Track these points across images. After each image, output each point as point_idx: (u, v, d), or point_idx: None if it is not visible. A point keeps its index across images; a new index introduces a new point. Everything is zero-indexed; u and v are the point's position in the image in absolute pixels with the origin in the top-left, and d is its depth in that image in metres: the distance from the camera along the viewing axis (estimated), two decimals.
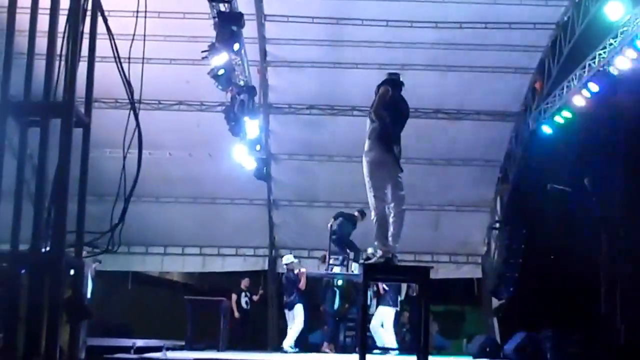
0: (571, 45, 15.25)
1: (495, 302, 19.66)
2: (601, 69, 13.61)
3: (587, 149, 14.38)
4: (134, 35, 6.27)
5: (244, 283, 19.01)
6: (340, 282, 16.94)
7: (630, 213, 13.52)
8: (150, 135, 17.46)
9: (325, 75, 17.60)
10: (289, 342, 15.96)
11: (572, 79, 14.89)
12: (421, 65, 16.73)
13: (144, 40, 6.41)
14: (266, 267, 20.79)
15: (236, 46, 13.66)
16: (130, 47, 6.12)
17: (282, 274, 17.02)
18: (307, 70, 17.61)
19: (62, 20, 5.56)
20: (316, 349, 16.84)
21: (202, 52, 13.71)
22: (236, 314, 17.98)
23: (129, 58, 6.17)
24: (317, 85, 17.77)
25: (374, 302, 15.95)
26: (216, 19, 13.25)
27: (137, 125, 5.88)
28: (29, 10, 5.56)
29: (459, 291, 22.09)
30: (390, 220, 9.29)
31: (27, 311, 5.37)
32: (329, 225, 15.46)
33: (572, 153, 15.06)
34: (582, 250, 13.74)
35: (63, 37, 5.56)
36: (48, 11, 5.40)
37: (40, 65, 5.54)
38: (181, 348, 14.83)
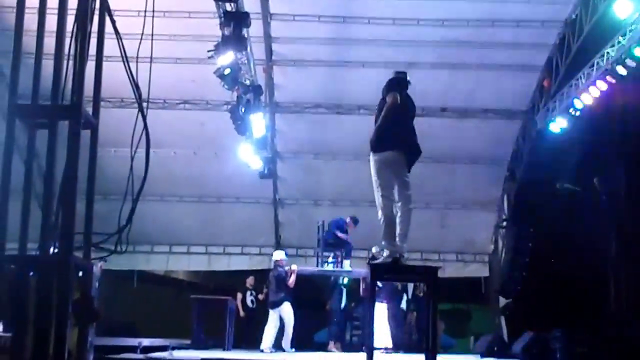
0: (579, 43, 15.16)
1: (502, 301, 19.61)
2: (609, 67, 13.52)
3: (595, 148, 14.30)
4: (142, 35, 6.25)
5: (249, 281, 18.94)
6: (346, 281, 16.90)
7: (638, 212, 13.45)
8: (156, 134, 17.42)
9: (332, 73, 17.56)
10: (267, 343, 15.60)
11: (580, 77, 14.80)
12: (428, 63, 16.66)
13: (152, 39, 6.38)
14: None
15: (242, 46, 13.62)
16: (139, 47, 6.09)
17: (270, 270, 16.60)
18: (313, 69, 17.56)
19: (68, 20, 5.56)
20: (322, 347, 16.80)
21: (208, 51, 13.67)
22: (241, 313, 17.93)
23: (137, 58, 6.15)
24: (323, 83, 17.73)
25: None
26: (222, 19, 13.22)
27: (145, 126, 5.84)
28: (36, 11, 5.55)
29: (466, 290, 22.02)
30: (397, 219, 9.25)
31: (36, 313, 5.35)
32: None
33: (580, 152, 14.99)
34: (591, 249, 13.69)
35: (71, 38, 5.54)
36: (55, 11, 5.39)
37: (48, 64, 5.52)
38: (187, 347, 14.78)
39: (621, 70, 13.31)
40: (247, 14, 13.33)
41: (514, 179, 19.13)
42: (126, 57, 5.82)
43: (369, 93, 15.78)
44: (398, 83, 9.71)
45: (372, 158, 9.30)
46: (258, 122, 16.11)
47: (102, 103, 13.92)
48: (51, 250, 5.44)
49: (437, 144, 18.27)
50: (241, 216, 20.31)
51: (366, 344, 9.88)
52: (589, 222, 13.98)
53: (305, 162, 19.76)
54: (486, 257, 20.96)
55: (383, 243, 9.37)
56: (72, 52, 5.52)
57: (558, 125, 15.72)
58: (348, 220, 16.76)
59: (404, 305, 17.69)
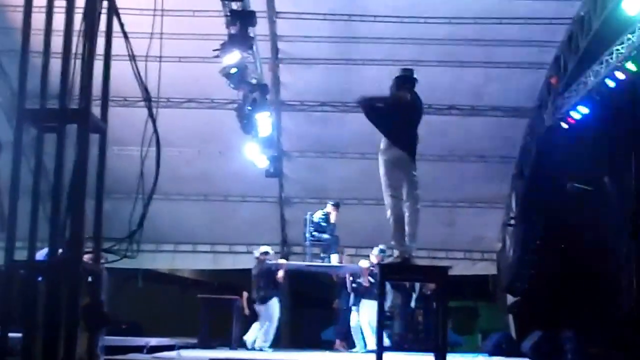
0: (588, 41, 15.06)
1: (510, 299, 19.57)
2: (619, 64, 13.44)
3: (605, 145, 14.22)
4: (151, 34, 6.21)
5: None
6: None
7: None
8: (161, 133, 17.39)
9: (338, 72, 17.49)
10: (262, 340, 15.43)
11: (589, 75, 14.72)
12: (435, 61, 16.59)
13: (161, 38, 6.34)
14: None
15: (248, 44, 13.58)
16: (149, 46, 6.06)
17: (257, 265, 16.24)
18: (319, 67, 17.51)
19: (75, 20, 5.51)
20: (329, 346, 16.75)
21: (214, 50, 13.62)
22: (246, 311, 17.80)
23: (146, 57, 6.11)
24: (329, 82, 17.66)
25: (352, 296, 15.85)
26: (228, 17, 13.19)
27: (155, 130, 5.79)
28: (43, 9, 5.50)
29: (474, 287, 22.00)
30: (406, 219, 9.22)
31: (45, 319, 5.31)
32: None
33: (589, 149, 14.91)
34: (600, 247, 13.62)
35: (78, 37, 5.49)
36: (62, 10, 5.35)
37: (55, 63, 5.47)
38: (194, 346, 14.74)
39: (631, 67, 13.23)
40: (253, 13, 13.29)
41: (522, 177, 19.05)
42: (134, 57, 5.77)
43: (375, 91, 15.75)
44: (405, 81, 9.68)
45: (380, 158, 9.27)
46: (264, 120, 16.08)
47: (112, 102, 13.88)
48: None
49: (444, 142, 18.26)
50: (247, 215, 20.29)
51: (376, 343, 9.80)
52: (598, 220, 13.94)
53: (311, 160, 19.72)
54: (494, 255, 20.91)
55: (392, 243, 9.34)
56: (79, 52, 5.48)
57: (566, 122, 15.66)
58: (330, 209, 16.54)
59: (412, 304, 17.65)
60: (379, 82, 15.76)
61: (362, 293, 15.56)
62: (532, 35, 16.18)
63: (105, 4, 5.69)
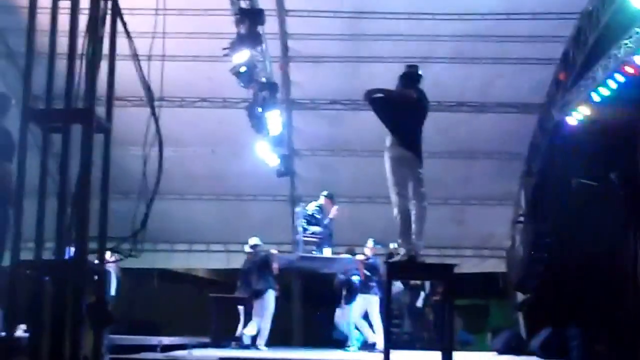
0: (596, 36, 15.04)
1: (520, 297, 19.56)
2: (627, 58, 13.40)
3: (612, 141, 14.18)
4: (163, 33, 6.29)
5: None
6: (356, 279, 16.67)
7: None
8: (174, 133, 17.61)
9: (348, 69, 17.53)
10: (263, 339, 14.99)
11: (597, 70, 14.68)
12: (444, 58, 16.61)
13: (164, 38, 6.42)
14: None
15: (258, 43, 13.64)
16: (151, 46, 6.12)
17: (247, 260, 16.38)
18: (329, 65, 17.54)
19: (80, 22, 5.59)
20: (340, 345, 16.77)
21: (224, 49, 13.69)
22: None
23: (150, 56, 6.18)
24: (339, 80, 17.69)
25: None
26: (237, 16, 13.24)
27: (158, 130, 5.85)
28: (49, 10, 5.59)
29: (484, 285, 21.97)
30: (413, 217, 9.26)
31: (51, 318, 5.38)
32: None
33: (597, 145, 14.88)
34: (610, 244, 13.59)
35: (83, 39, 5.57)
36: (67, 12, 5.44)
37: (60, 64, 5.55)
38: (205, 345, 14.79)
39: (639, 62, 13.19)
40: (262, 11, 13.34)
41: (531, 174, 19.03)
42: (138, 59, 5.85)
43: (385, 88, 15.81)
44: (410, 78, 9.73)
45: (386, 155, 9.32)
46: (274, 119, 16.14)
47: (119, 102, 13.97)
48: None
49: (453, 139, 18.27)
50: (259, 213, 20.35)
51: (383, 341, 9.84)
52: (608, 218, 13.89)
53: (322, 159, 19.77)
54: (504, 253, 20.91)
55: (399, 241, 9.38)
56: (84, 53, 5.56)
57: (575, 118, 15.64)
58: (323, 201, 16.18)
59: (420, 303, 17.70)
60: (389, 79, 15.87)
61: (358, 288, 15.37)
62: (540, 31, 16.15)
63: (109, 4, 5.77)
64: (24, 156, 5.34)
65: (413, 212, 9.29)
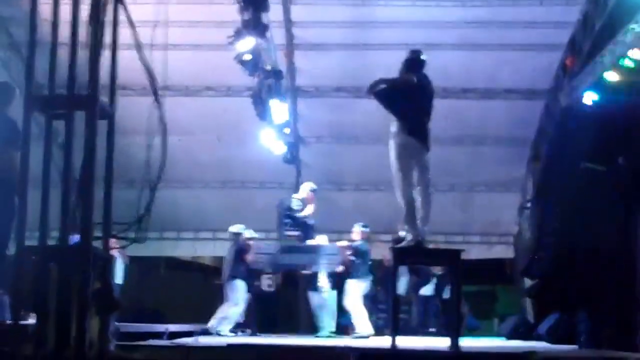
0: (603, 20, 14.93)
1: (527, 282, 19.53)
2: (634, 43, 13.31)
3: (620, 126, 14.11)
4: (167, 22, 6.29)
5: None
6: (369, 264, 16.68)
7: None
8: (179, 122, 17.62)
9: (352, 56, 17.50)
10: (227, 325, 15.07)
11: (604, 55, 14.60)
12: (449, 44, 16.54)
13: (167, 27, 6.41)
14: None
15: (262, 31, 13.62)
16: (152, 34, 6.12)
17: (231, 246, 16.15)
18: (334, 53, 17.53)
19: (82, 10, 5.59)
20: (345, 331, 16.75)
21: (228, 37, 13.68)
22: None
23: (152, 45, 6.18)
24: (344, 67, 17.65)
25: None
26: (241, 3, 13.22)
27: (161, 116, 5.86)
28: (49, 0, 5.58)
29: (491, 271, 21.96)
30: (418, 203, 9.27)
31: (57, 304, 5.40)
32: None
33: (605, 129, 14.82)
34: (617, 229, 13.55)
35: (86, 26, 5.57)
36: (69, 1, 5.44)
37: (63, 53, 5.55)
38: (212, 333, 14.82)
39: None
40: None
41: (538, 159, 18.96)
42: (141, 46, 5.84)
43: (390, 75, 15.76)
44: (412, 63, 9.72)
45: (391, 142, 9.32)
46: (279, 107, 16.13)
47: (126, 91, 13.98)
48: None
49: (459, 126, 18.24)
50: (265, 201, 20.30)
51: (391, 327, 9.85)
52: (615, 202, 13.85)
53: (328, 146, 19.76)
54: (511, 239, 20.87)
55: (405, 227, 9.39)
56: (87, 42, 5.56)
57: (581, 103, 15.57)
58: (306, 193, 16.29)
59: (429, 290, 17.69)
60: (394, 66, 15.83)
61: (343, 273, 15.32)
62: (546, 16, 16.08)
63: None
64: (27, 144, 5.34)
65: (418, 199, 9.30)
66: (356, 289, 14.92)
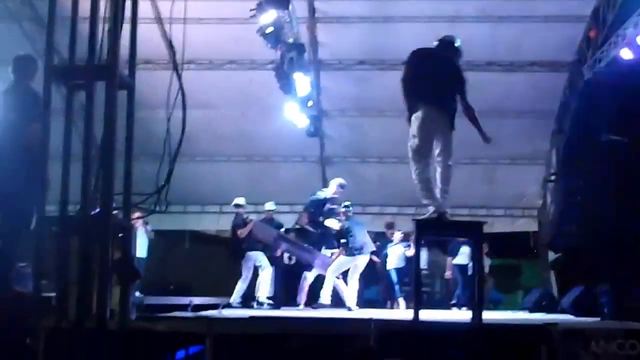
0: None
1: (551, 256, 19.49)
2: None
3: None
4: None
5: None
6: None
7: None
8: (202, 95, 17.63)
9: (374, 29, 17.40)
10: (235, 296, 15.17)
11: (628, 27, 14.48)
12: (472, 17, 16.44)
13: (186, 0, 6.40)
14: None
15: (284, 4, 13.60)
16: (171, 8, 6.12)
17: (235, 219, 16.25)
18: (356, 26, 17.43)
19: None
20: (370, 304, 16.79)
21: (251, 10, 13.68)
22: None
23: (170, 18, 6.18)
24: (366, 40, 17.59)
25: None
26: None
27: (180, 85, 5.86)
28: None
29: (515, 245, 21.92)
30: (438, 176, 9.26)
31: (78, 274, 5.45)
32: None
33: (629, 102, 14.72)
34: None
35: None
36: None
37: (85, 28, 5.58)
38: (236, 306, 14.90)
39: None
40: None
41: (561, 132, 18.87)
42: (161, 20, 5.85)
43: (411, 47, 15.67)
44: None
45: (413, 116, 9.27)
46: (302, 80, 16.12)
47: (150, 65, 14.00)
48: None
49: (483, 99, 17.90)
50: (289, 175, 20.42)
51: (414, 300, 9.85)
52: (638, 173, 13.79)
53: (351, 119, 19.75)
54: (535, 212, 20.82)
55: (425, 202, 9.37)
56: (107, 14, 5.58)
57: (605, 75, 15.46)
58: (335, 189, 15.70)
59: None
60: (416, 38, 15.73)
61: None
62: None
63: None
64: (48, 113, 5.37)
65: (438, 171, 9.28)
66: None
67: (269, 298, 16.01)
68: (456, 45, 9.96)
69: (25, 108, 7.54)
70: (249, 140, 19.92)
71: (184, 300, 13.95)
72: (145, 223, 16.80)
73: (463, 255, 17.65)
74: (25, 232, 7.28)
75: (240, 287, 15.27)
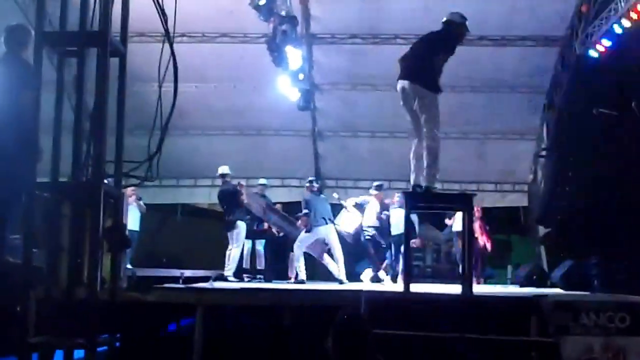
0: None
1: (541, 231, 19.56)
2: None
3: (635, 72, 14.02)
4: None
5: None
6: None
7: None
8: (196, 69, 17.55)
9: (368, 4, 17.29)
10: (229, 270, 14.80)
11: (619, 1, 14.47)
12: None
13: None
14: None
15: None
16: None
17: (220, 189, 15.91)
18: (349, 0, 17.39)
19: None
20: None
21: None
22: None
23: None
24: (359, 14, 17.46)
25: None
26: None
27: (172, 51, 5.83)
28: None
29: (505, 220, 21.99)
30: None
31: (69, 240, 5.44)
32: None
33: (620, 77, 14.72)
34: (631, 176, 13.53)
35: None
36: None
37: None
38: (227, 279, 14.93)
39: None
40: None
41: (553, 107, 18.88)
42: None
43: (404, 22, 15.69)
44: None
45: (429, 95, 9.23)
46: (294, 53, 16.09)
47: (143, 37, 13.92)
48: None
49: (474, 73, 18.12)
50: (281, 148, 20.43)
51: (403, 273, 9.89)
52: (630, 148, 13.82)
53: (343, 93, 19.73)
54: (525, 187, 20.90)
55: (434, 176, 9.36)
56: None
57: (597, 50, 15.46)
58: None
59: None
60: (408, 13, 15.73)
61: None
62: None
63: None
64: (39, 79, 5.35)
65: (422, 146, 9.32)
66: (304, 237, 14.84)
67: (258, 272, 16.09)
68: (445, 19, 9.95)
69: (17, 78, 7.51)
70: (241, 114, 19.92)
71: (176, 272, 13.97)
72: (139, 198, 16.83)
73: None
74: (18, 203, 7.26)
75: (235, 255, 15.08)
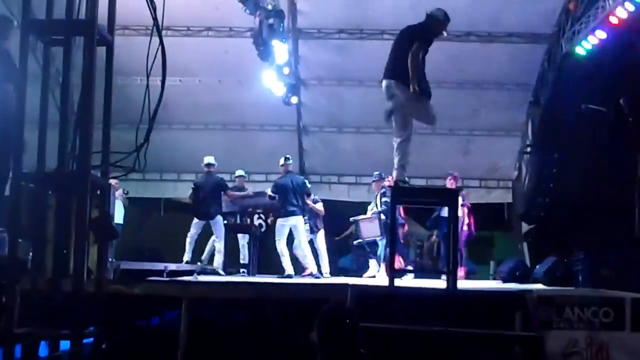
0: None
1: (525, 227, 19.61)
2: None
3: (622, 69, 14.05)
4: None
5: None
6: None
7: None
8: (180, 63, 17.47)
9: None
10: (219, 264, 14.99)
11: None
12: None
13: None
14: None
15: None
16: None
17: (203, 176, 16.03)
18: None
19: None
20: (345, 273, 16.82)
21: None
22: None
23: None
24: (345, 9, 17.45)
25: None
26: None
27: (161, 43, 5.80)
28: None
29: (489, 216, 21.99)
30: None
31: (55, 232, 5.41)
32: None
33: (607, 75, 14.75)
34: (616, 172, 13.55)
35: None
36: None
37: None
38: (212, 272, 14.91)
39: None
40: None
41: (538, 104, 18.91)
42: None
43: (391, 17, 15.64)
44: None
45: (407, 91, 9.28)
46: (280, 48, 16.04)
47: (127, 31, 13.86)
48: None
49: (461, 69, 18.14)
50: (265, 143, 20.38)
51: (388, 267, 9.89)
52: (615, 145, 13.84)
53: (329, 88, 19.69)
54: (510, 183, 20.95)
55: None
56: None
57: (584, 48, 15.48)
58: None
59: None
60: (395, 8, 15.71)
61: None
62: None
63: None
64: (24, 69, 5.30)
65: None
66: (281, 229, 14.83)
67: (242, 266, 16.10)
68: (429, 12, 10.01)
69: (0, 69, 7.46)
70: (226, 109, 19.89)
71: (160, 266, 13.92)
72: (125, 192, 16.79)
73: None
74: (2, 196, 7.22)
75: (220, 248, 15.13)
